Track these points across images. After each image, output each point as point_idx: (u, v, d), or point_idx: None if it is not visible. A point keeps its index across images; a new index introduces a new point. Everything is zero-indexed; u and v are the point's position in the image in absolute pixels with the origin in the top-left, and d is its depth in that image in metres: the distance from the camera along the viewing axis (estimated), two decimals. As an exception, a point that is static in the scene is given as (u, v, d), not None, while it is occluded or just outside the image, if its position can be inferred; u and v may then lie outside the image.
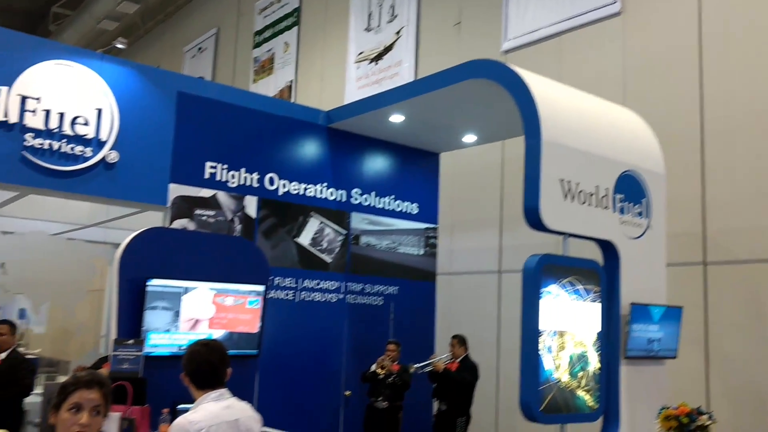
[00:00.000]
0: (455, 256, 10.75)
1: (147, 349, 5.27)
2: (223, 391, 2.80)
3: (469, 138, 8.70)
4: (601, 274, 5.46)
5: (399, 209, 9.00)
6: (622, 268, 5.61)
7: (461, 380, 7.30)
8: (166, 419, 4.98)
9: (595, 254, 5.78)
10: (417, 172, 9.21)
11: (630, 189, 5.85)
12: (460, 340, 7.58)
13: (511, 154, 9.90)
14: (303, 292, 8.11)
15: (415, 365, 7.60)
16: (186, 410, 5.09)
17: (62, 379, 7.00)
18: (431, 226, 9.30)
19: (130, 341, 5.22)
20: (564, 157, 5.34)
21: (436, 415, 7.44)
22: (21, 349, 6.87)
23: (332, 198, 8.46)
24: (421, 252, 9.16)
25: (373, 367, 7.60)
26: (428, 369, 7.57)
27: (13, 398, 6.26)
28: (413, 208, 9.13)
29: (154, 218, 7.35)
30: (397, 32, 11.65)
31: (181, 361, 2.76)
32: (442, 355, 7.69)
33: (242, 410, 2.83)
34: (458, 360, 7.49)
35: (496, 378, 9.88)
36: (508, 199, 10.26)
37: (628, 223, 5.78)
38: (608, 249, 5.69)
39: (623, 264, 5.62)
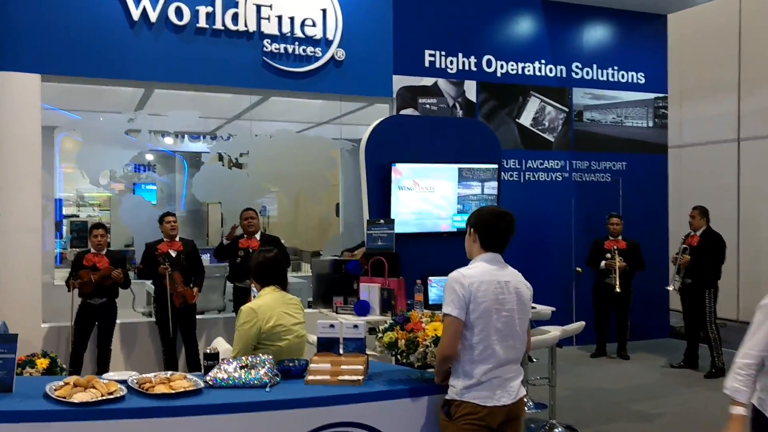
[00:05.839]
0: (685, 127, 10.04)
1: (396, 228, 5.65)
2: (499, 256, 2.93)
3: (702, -7, 7.90)
4: None
5: (624, 80, 8.53)
6: None
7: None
8: (420, 289, 5.36)
9: None
10: (642, 38, 8.60)
11: None
12: (701, 212, 7.13)
13: (753, 7, 8.86)
14: (527, 173, 8.12)
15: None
16: (440, 282, 5.47)
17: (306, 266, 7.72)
18: (660, 95, 8.72)
19: (381, 221, 5.63)
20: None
21: (680, 288, 7.17)
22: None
23: (551, 75, 8.22)
24: (650, 124, 8.67)
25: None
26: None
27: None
28: (639, 77, 8.59)
29: (380, 111, 7.68)
30: None
31: (471, 219, 2.93)
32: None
33: (514, 275, 2.95)
34: (698, 233, 7.09)
35: (736, 252, 9.28)
36: (747, 59, 9.27)
37: None
38: None
39: None
